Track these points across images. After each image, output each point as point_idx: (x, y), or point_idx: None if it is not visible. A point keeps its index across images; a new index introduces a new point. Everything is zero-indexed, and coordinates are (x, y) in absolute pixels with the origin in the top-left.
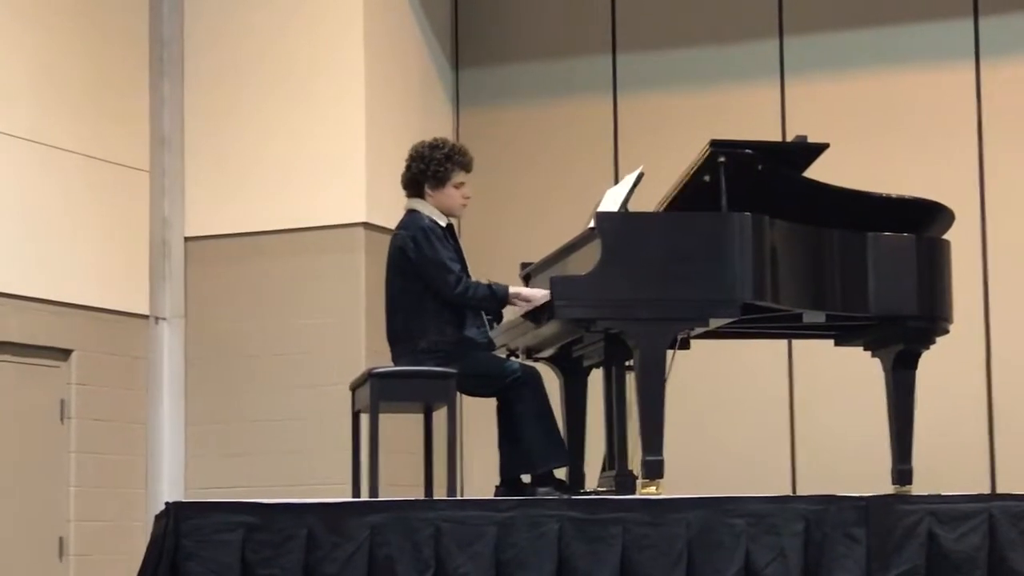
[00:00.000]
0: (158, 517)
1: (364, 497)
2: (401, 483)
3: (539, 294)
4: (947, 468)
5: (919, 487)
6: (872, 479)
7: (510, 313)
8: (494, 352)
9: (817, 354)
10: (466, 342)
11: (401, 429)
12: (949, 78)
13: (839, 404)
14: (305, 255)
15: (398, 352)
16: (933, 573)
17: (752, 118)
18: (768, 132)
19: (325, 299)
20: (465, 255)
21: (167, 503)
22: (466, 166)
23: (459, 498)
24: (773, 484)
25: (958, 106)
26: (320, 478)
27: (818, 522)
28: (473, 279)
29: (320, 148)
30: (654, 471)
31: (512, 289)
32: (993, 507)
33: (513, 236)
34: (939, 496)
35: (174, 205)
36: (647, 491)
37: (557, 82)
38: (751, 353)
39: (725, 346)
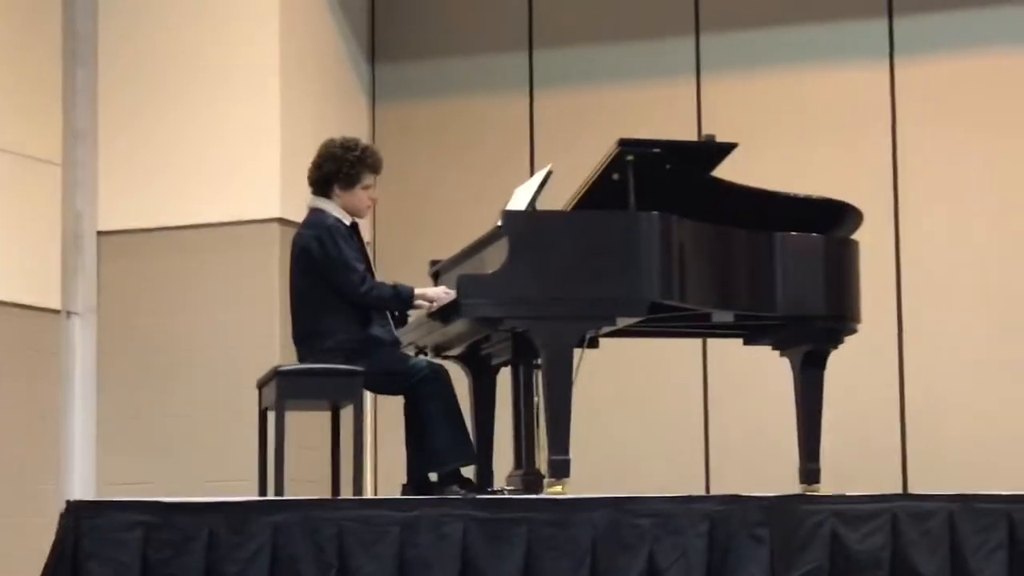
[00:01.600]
0: (61, 516)
1: (270, 495)
2: (310, 479)
3: (444, 295)
4: (860, 467)
5: (833, 486)
6: (788, 477)
7: (417, 312)
8: (402, 350)
9: (732, 351)
10: (372, 340)
11: (311, 424)
12: (864, 76)
13: (754, 401)
14: (219, 250)
15: (304, 351)
16: (837, 573)
17: (669, 115)
18: (684, 129)
19: (239, 295)
20: (381, 252)
21: (68, 502)
22: (376, 168)
23: (363, 497)
24: (688, 483)
25: (873, 104)
26: (232, 474)
27: (723, 522)
28: (379, 280)
29: (235, 143)
30: (561, 470)
31: (418, 290)
32: (896, 507)
33: (430, 233)
34: (843, 496)
35: (87, 199)
36: (553, 491)
37: (474, 78)
38: (665, 350)
39: (639, 342)
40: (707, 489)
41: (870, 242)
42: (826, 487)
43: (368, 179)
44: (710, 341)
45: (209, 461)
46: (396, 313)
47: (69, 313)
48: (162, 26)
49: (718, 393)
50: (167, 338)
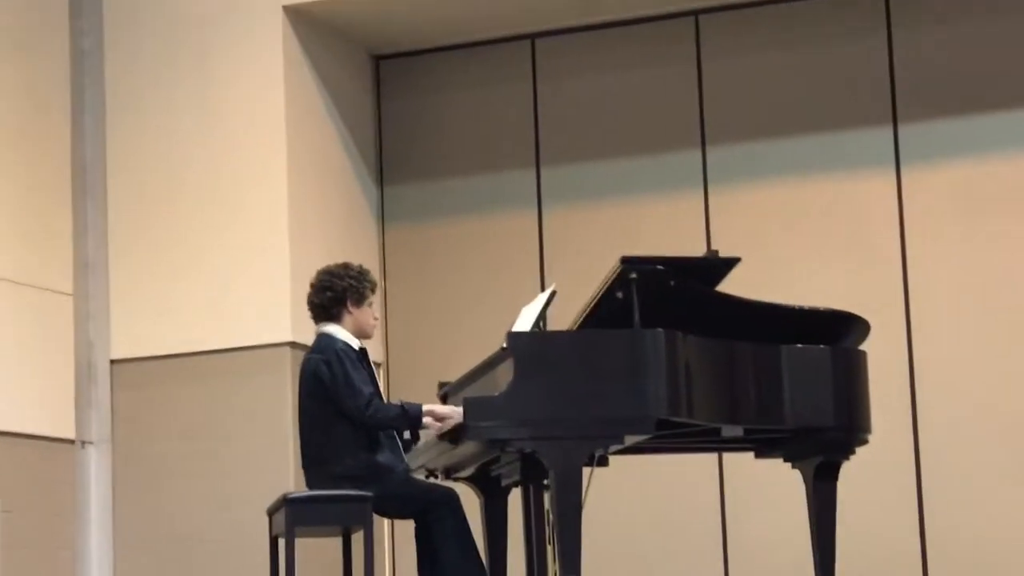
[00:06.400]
0: None
1: None
2: None
3: (453, 412)
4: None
5: None
6: None
7: (427, 433)
8: (411, 474)
9: (748, 462)
10: (381, 466)
11: (325, 549)
12: (871, 186)
13: (772, 514)
14: (231, 376)
15: (312, 477)
16: None
17: (676, 228)
18: (693, 241)
19: (253, 420)
20: (393, 373)
21: None
22: (375, 287)
23: None
24: None
25: (881, 213)
26: None
27: None
28: (386, 401)
29: (245, 268)
30: None
31: (426, 407)
32: None
33: (441, 353)
34: None
35: (99, 328)
36: None
37: (482, 197)
38: (682, 463)
39: (654, 458)
40: None
41: (883, 350)
42: None
43: (372, 297)
44: (725, 453)
45: None
46: (408, 435)
47: (84, 443)
48: (169, 156)
49: (735, 505)
50: (182, 465)
